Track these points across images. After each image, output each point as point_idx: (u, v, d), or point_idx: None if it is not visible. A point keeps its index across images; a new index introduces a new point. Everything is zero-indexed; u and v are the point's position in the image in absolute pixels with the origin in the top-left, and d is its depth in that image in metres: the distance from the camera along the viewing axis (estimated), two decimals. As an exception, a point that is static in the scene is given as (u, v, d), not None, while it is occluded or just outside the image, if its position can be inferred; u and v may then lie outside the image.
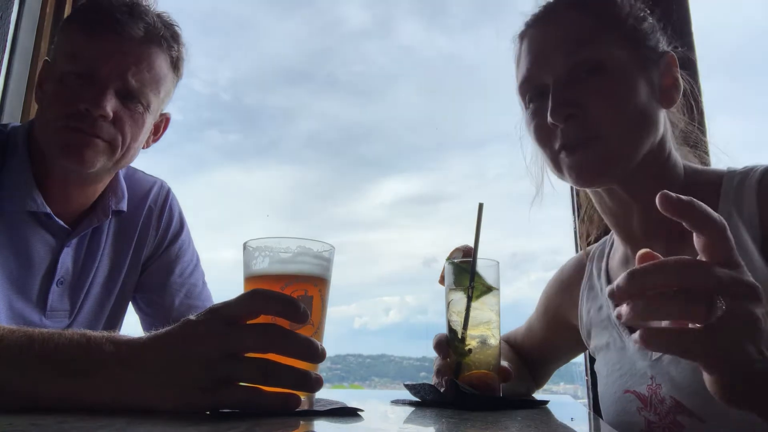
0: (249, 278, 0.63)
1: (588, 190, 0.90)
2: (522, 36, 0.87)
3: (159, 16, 1.04)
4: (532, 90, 0.84)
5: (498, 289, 0.81)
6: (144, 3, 1.04)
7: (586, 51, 0.79)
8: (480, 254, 0.81)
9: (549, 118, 0.79)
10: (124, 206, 1.13)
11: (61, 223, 1.03)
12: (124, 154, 1.03)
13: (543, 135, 0.83)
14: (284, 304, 0.54)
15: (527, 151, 0.97)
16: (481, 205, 0.83)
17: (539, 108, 0.83)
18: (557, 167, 0.83)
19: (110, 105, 0.97)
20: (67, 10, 1.77)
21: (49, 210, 1.01)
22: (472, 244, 0.82)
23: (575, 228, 1.28)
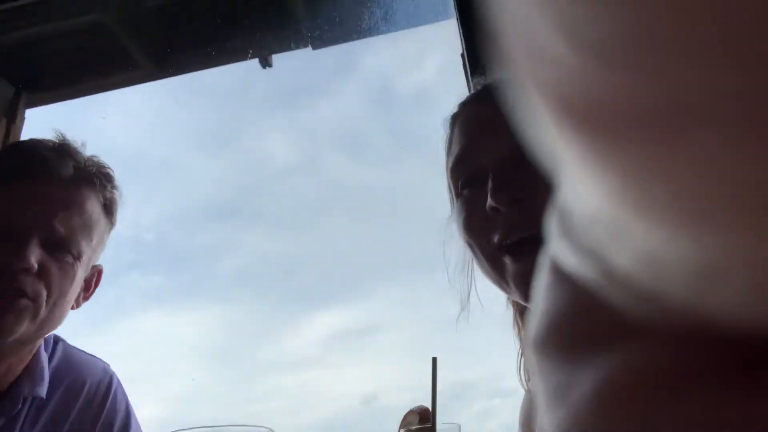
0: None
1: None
2: (456, 116, 0.72)
3: (90, 158, 0.95)
4: (467, 173, 0.68)
5: None
6: (72, 145, 0.94)
7: None
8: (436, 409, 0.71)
9: (489, 201, 0.62)
10: (42, 392, 0.93)
11: None
12: (50, 314, 0.87)
13: (477, 226, 0.65)
14: None
15: (451, 257, 0.80)
16: (434, 360, 0.69)
17: (474, 195, 0.66)
18: (496, 269, 0.65)
19: (34, 256, 0.84)
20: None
21: None
22: (426, 404, 0.72)
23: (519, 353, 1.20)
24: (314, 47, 1.57)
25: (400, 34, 1.57)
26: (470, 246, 0.67)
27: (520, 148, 0.66)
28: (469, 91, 1.19)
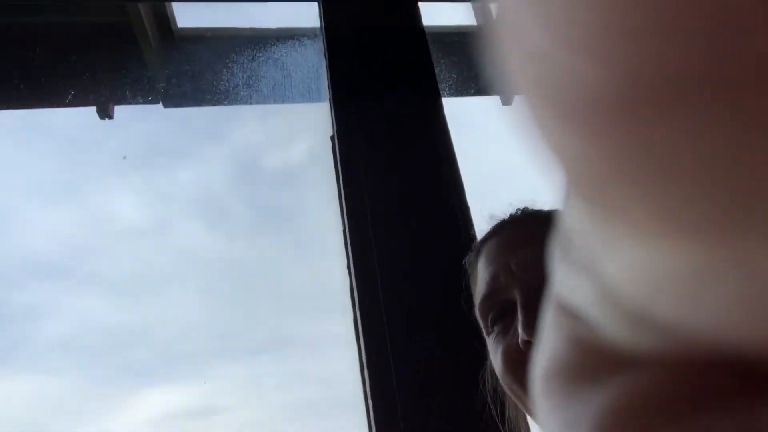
0: None
1: None
2: (477, 252, 0.70)
3: None
4: (496, 307, 0.65)
5: None
6: None
7: None
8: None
9: (521, 336, 0.59)
10: None
11: None
12: None
13: (516, 364, 0.61)
14: None
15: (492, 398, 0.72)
16: None
17: (506, 328, 0.64)
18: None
19: None
20: None
21: None
22: None
23: None
24: (165, 105, 1.51)
25: (269, 108, 1.57)
26: (513, 392, 0.61)
27: (545, 275, 0.61)
28: (337, 175, 1.21)
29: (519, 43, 0.13)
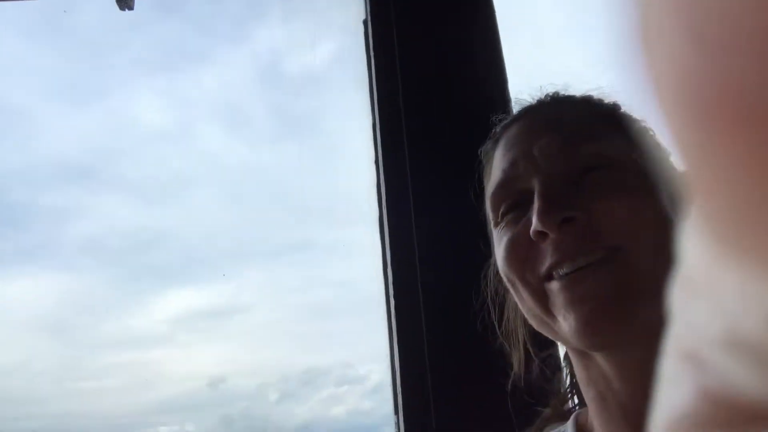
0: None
1: (581, 348, 0.52)
2: (496, 140, 0.62)
3: None
4: (509, 198, 0.57)
5: None
6: None
7: (587, 143, 0.55)
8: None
9: (534, 225, 0.51)
10: None
11: None
12: None
13: (520, 255, 0.54)
14: None
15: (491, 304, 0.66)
16: None
17: (517, 218, 0.56)
18: (542, 306, 0.52)
19: None
20: None
21: None
22: None
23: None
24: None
25: (296, 5, 1.51)
26: (511, 283, 0.55)
27: (574, 159, 0.52)
28: (369, 63, 1.15)
29: (663, 54, 0.12)
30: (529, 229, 0.51)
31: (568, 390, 0.66)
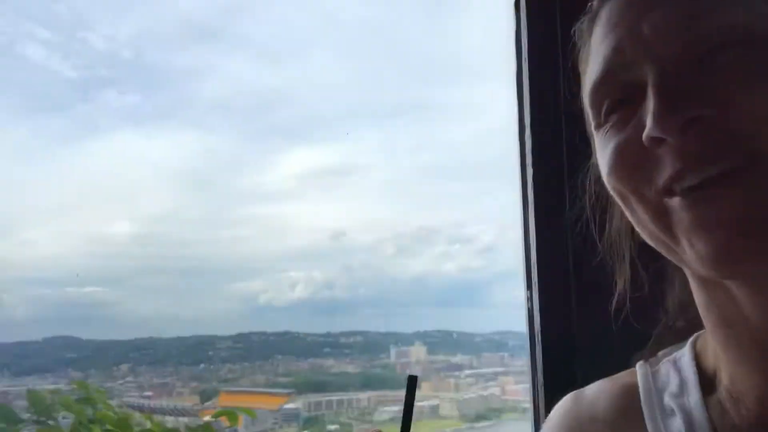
0: None
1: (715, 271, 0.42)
2: (594, 16, 0.50)
3: None
4: (615, 92, 0.46)
5: None
6: None
7: (716, 12, 0.42)
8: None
9: (650, 129, 0.41)
10: None
11: None
12: None
13: (632, 164, 0.44)
14: None
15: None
16: (412, 379, 0.53)
17: (626, 118, 0.45)
18: (662, 226, 0.44)
19: None
20: None
21: None
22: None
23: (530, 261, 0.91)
24: None
25: None
26: (621, 197, 0.46)
27: (700, 40, 0.40)
28: None
29: None
30: (642, 133, 0.41)
31: (682, 311, 0.56)
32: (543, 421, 0.58)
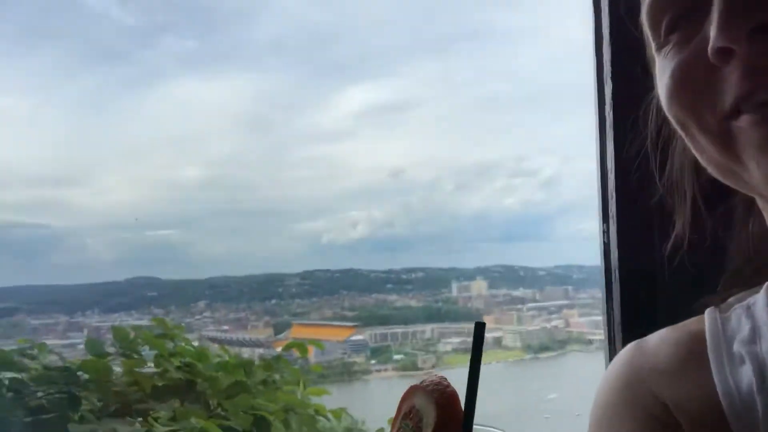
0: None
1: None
2: None
3: None
4: (675, 6, 0.42)
5: None
6: None
7: None
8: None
9: (714, 40, 0.36)
10: None
11: None
12: None
13: (695, 86, 0.40)
14: None
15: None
16: (480, 326, 0.47)
17: (689, 36, 0.41)
18: (728, 154, 0.40)
19: None
20: None
21: None
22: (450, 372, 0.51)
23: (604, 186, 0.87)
24: None
25: None
26: (682, 126, 0.42)
27: None
28: None
29: None
30: (706, 49, 0.37)
31: (758, 253, 0.52)
32: None
